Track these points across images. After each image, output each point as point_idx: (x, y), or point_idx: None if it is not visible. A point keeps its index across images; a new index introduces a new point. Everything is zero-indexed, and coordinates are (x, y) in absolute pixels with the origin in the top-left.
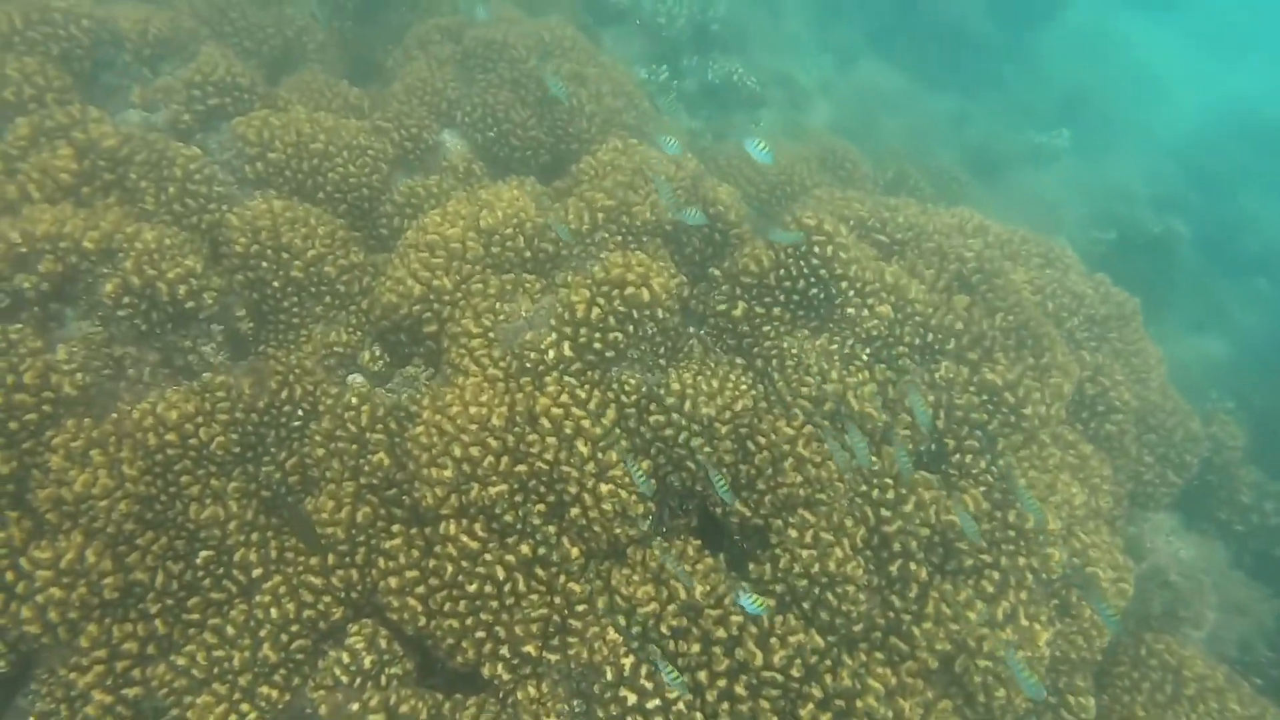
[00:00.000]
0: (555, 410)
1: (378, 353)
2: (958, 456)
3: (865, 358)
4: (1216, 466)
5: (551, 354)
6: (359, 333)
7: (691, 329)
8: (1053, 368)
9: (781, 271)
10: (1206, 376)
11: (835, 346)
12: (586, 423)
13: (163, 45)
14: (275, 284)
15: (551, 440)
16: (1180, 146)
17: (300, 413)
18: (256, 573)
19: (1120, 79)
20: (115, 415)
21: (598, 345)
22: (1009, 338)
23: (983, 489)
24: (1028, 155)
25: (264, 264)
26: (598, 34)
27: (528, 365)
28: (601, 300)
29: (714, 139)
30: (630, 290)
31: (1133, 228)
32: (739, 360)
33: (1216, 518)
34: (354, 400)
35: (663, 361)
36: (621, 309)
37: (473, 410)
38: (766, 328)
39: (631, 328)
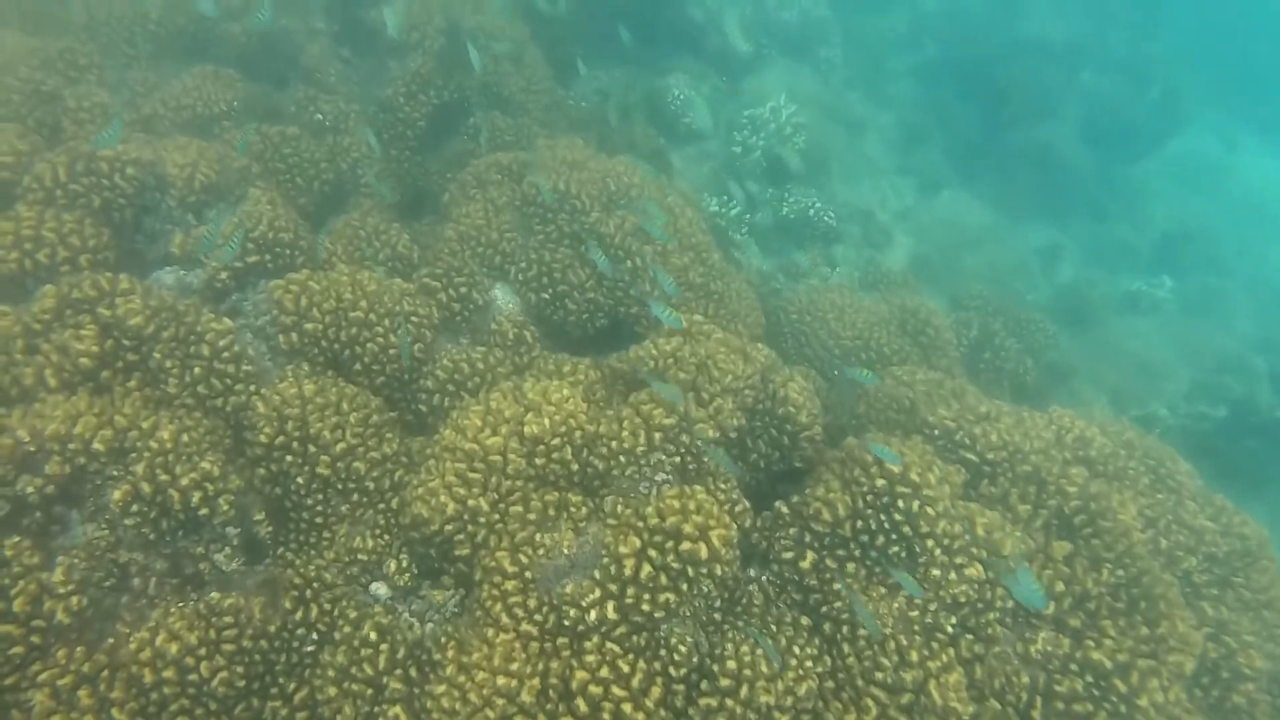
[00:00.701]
0: (594, 688)
1: (404, 563)
2: None
3: (950, 630)
4: None
5: (594, 614)
6: (386, 536)
7: (753, 571)
8: (1171, 640)
9: (859, 523)
10: None
11: (916, 614)
12: (628, 707)
13: (209, 191)
14: (300, 480)
15: None
16: None
17: (315, 636)
18: None
19: (1233, 221)
20: (111, 640)
21: (646, 607)
22: (1118, 597)
23: None
24: (1124, 304)
25: (289, 458)
26: (668, 156)
27: (566, 624)
28: (653, 553)
29: (786, 279)
30: (686, 545)
31: (1247, 407)
32: (804, 620)
33: None
34: (372, 636)
35: (718, 615)
36: (675, 565)
37: (500, 681)
38: (837, 585)
39: (685, 586)
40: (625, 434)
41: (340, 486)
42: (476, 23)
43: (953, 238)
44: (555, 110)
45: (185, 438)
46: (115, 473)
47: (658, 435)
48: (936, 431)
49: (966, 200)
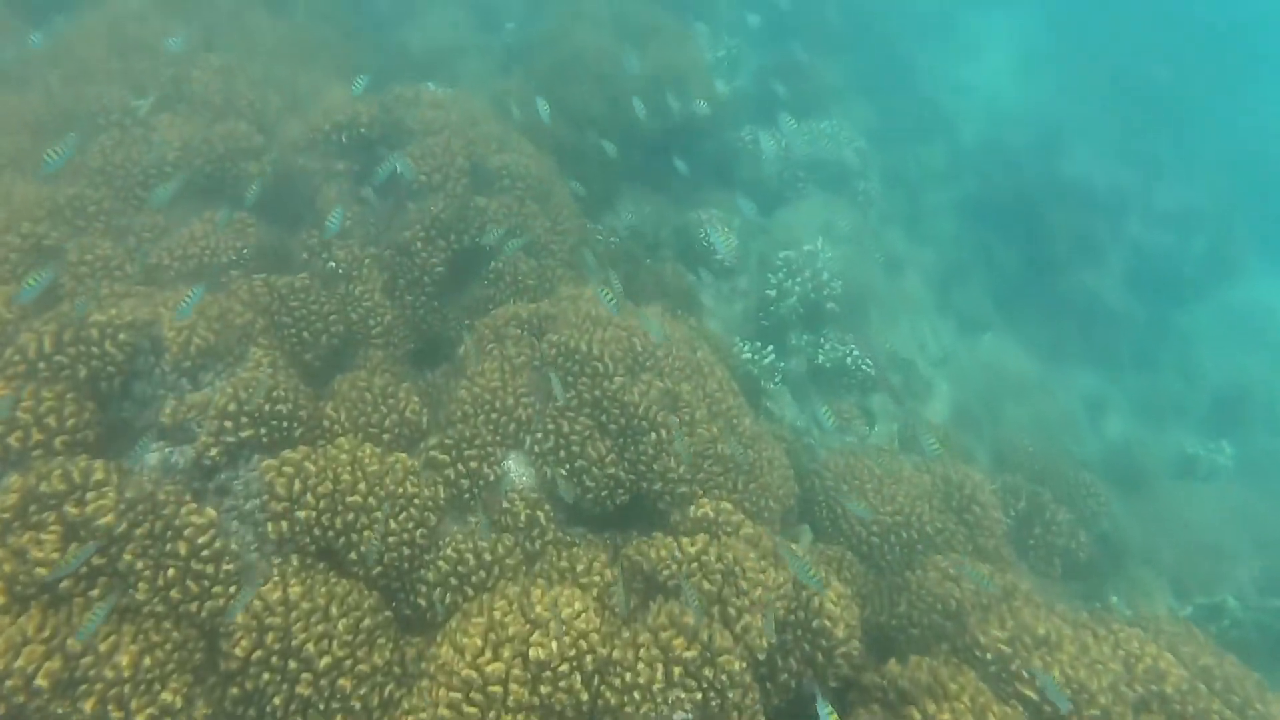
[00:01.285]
0: None
1: None
2: None
3: None
4: None
5: None
6: None
7: None
8: None
9: None
10: None
11: None
12: None
13: (206, 354)
14: (277, 700)
15: None
16: None
17: None
18: None
19: None
20: None
21: None
22: None
23: None
24: (1179, 467)
25: (266, 675)
26: (699, 295)
27: None
28: None
29: (821, 434)
30: None
31: None
32: None
33: None
34: None
35: None
36: None
37: None
38: None
39: None
40: (642, 666)
41: (323, 707)
42: (501, 162)
43: (996, 385)
44: (583, 249)
45: (147, 660)
46: (61, 711)
47: (677, 670)
48: (989, 656)
49: (1010, 344)
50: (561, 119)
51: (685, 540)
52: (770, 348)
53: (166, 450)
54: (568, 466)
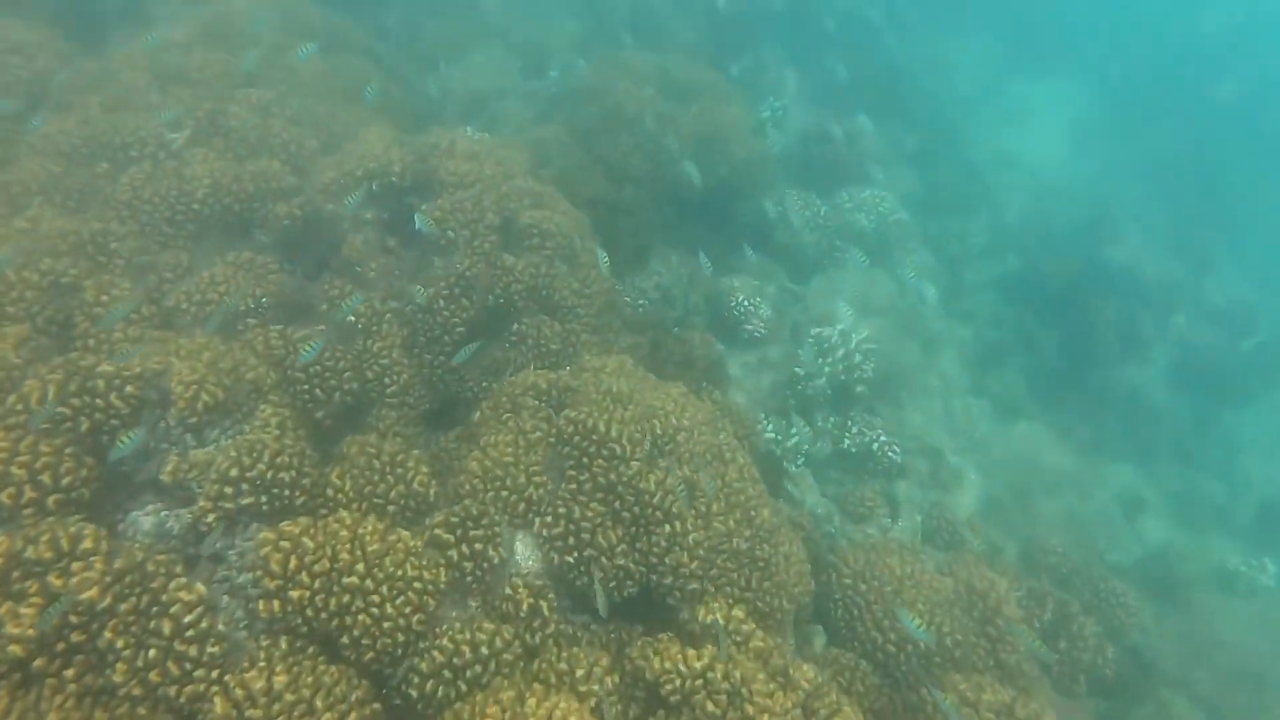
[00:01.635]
0: None
1: None
2: None
3: None
4: None
5: None
6: None
7: None
8: None
9: None
10: None
11: None
12: None
13: (213, 411)
14: None
15: None
16: None
17: None
18: None
19: None
20: None
21: None
22: None
23: None
24: (1218, 580)
25: None
26: (726, 366)
27: None
28: None
29: (842, 520)
30: None
31: None
32: None
33: None
34: None
35: None
36: None
37: None
38: None
39: None
40: None
41: None
42: (532, 219)
43: (1028, 478)
44: (610, 312)
45: None
46: None
47: None
48: None
49: (1044, 434)
50: (598, 172)
51: (691, 653)
52: (795, 429)
53: (163, 513)
54: (576, 555)
